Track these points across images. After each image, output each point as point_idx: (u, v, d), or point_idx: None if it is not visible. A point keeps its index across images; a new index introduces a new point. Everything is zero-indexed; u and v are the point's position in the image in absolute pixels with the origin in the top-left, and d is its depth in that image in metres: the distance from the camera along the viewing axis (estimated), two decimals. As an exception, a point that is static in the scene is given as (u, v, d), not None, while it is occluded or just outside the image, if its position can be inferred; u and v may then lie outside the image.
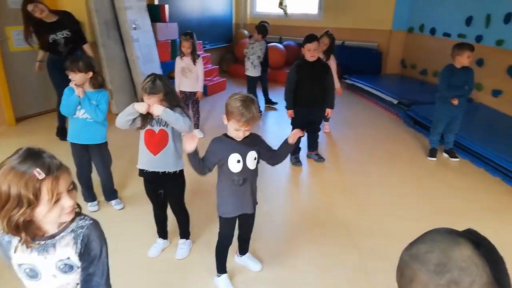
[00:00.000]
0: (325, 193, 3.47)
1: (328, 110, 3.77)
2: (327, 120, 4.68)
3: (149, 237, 2.64)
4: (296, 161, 3.95)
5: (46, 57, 4.21)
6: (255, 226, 2.32)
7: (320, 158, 4.04)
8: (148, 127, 2.24)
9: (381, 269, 2.42)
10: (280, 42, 7.90)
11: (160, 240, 2.59)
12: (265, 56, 5.35)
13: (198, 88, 4.44)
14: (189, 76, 4.39)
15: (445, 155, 4.17)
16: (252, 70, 5.31)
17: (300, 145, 4.01)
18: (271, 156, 2.10)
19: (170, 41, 6.02)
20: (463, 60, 3.77)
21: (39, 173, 1.01)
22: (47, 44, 4.07)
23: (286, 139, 2.07)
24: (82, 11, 5.08)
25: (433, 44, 6.39)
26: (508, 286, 0.75)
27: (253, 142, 2.00)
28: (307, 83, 3.63)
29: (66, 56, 3.83)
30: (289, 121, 3.85)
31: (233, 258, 2.47)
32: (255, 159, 2.01)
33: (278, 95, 5.84)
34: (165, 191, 2.40)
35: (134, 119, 2.18)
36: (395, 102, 5.60)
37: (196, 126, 4.60)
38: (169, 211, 2.52)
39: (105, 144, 2.94)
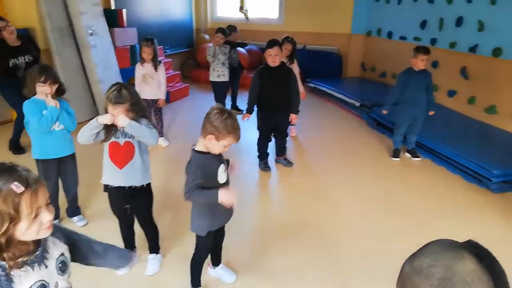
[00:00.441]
0: (295, 197, 3.47)
1: (292, 116, 3.79)
2: (293, 124, 4.68)
3: (116, 254, 2.50)
4: (265, 167, 3.93)
5: None
6: (226, 235, 2.28)
7: (288, 163, 4.04)
8: (113, 139, 2.12)
9: (356, 269, 2.46)
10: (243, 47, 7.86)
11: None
12: (232, 59, 5.33)
13: (161, 95, 4.30)
14: (151, 83, 4.25)
15: (408, 155, 4.30)
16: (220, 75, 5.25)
17: (268, 151, 3.99)
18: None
19: (129, 46, 5.83)
20: (418, 63, 3.91)
21: (17, 187, 0.96)
22: (7, 67, 3.94)
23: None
24: (33, 17, 4.82)
25: (390, 47, 6.60)
26: None
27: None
28: (270, 88, 3.64)
29: (22, 78, 3.69)
30: (256, 125, 3.85)
31: (206, 270, 2.38)
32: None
33: (244, 99, 5.81)
34: (132, 206, 2.29)
35: (98, 132, 2.06)
36: (357, 104, 5.72)
37: (160, 134, 4.45)
38: (136, 225, 2.40)
39: (75, 154, 2.81)
